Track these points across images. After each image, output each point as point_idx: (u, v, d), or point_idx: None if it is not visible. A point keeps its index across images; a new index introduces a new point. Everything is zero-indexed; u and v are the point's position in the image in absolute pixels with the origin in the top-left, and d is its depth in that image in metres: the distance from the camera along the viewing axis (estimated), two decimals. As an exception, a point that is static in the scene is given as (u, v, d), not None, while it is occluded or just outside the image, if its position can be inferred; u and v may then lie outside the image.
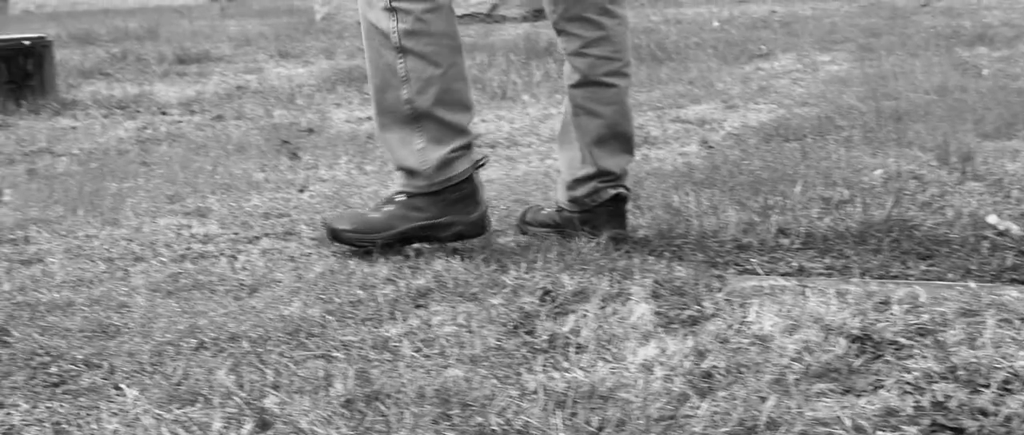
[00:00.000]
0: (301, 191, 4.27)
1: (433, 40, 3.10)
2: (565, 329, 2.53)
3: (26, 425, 2.13)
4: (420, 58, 3.09)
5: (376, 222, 3.19)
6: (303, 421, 2.07)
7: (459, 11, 11.60)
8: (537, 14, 12.11)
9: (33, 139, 5.80)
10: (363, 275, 2.98)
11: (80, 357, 2.44)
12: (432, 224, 3.17)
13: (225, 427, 2.06)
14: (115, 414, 2.16)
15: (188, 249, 3.40)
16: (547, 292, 2.76)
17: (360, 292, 2.83)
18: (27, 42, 7.06)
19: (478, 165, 3.21)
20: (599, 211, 3.36)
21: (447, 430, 2.03)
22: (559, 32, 3.34)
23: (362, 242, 3.18)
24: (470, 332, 2.52)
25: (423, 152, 3.13)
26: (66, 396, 2.27)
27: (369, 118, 6.14)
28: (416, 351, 2.43)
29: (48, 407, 2.21)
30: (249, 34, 11.86)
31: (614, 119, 3.34)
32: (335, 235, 3.21)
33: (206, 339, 2.53)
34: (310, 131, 5.79)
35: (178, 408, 2.17)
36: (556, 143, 3.62)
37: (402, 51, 3.09)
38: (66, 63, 9.08)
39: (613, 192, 3.36)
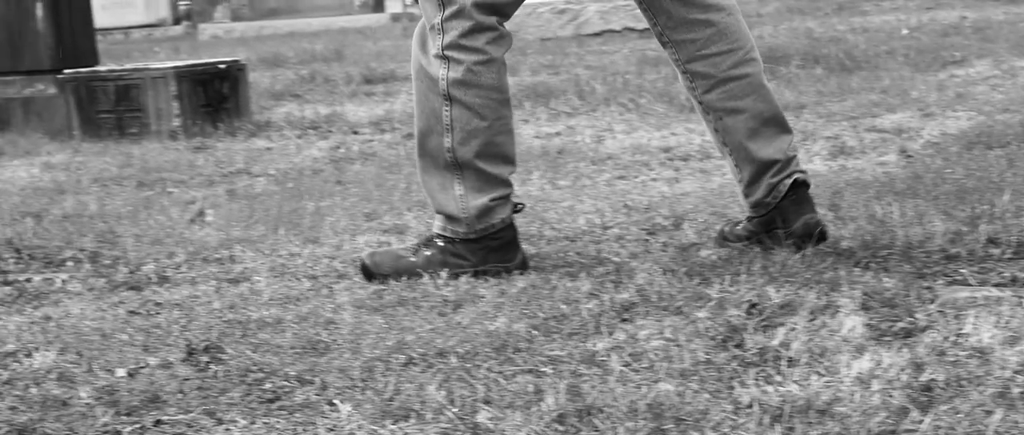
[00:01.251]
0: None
1: (481, 92, 3.10)
2: (775, 342, 2.49)
3: (245, 440, 2.17)
4: (466, 109, 3.10)
5: (414, 268, 3.19)
6: (517, 436, 2.07)
7: (640, 25, 11.57)
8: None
9: (231, 160, 5.93)
10: (565, 290, 2.97)
11: (293, 373, 2.47)
12: (475, 271, 3.17)
13: (440, 442, 2.07)
14: (331, 429, 2.19)
15: (389, 266, 3.43)
16: (753, 305, 2.72)
17: (564, 306, 2.82)
18: (222, 66, 7.23)
19: (517, 210, 3.23)
20: (783, 205, 3.23)
21: (663, 445, 2.01)
22: (667, 44, 3.23)
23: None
24: (678, 346, 2.50)
25: (463, 199, 3.16)
26: (282, 412, 2.30)
27: (558, 134, 6.16)
28: (624, 365, 2.41)
29: (265, 423, 2.25)
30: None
31: (758, 107, 3.21)
32: (371, 277, 3.20)
33: (414, 354, 2.54)
34: (500, 147, 5.81)
35: (392, 423, 2.19)
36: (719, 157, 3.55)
37: (449, 99, 3.11)
38: (257, 85, 9.27)
39: (789, 181, 3.23)
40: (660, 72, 7.90)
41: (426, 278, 3.15)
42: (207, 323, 2.90)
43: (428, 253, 3.20)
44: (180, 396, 2.39)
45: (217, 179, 5.46)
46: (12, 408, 2.37)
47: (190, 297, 3.20)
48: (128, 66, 7.39)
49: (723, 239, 3.41)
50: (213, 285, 3.32)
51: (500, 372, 2.41)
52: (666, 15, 3.20)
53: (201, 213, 4.53)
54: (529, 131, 6.36)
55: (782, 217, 3.23)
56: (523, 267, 3.21)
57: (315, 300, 3.08)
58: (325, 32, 17.93)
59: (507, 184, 3.19)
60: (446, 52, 3.08)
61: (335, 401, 2.31)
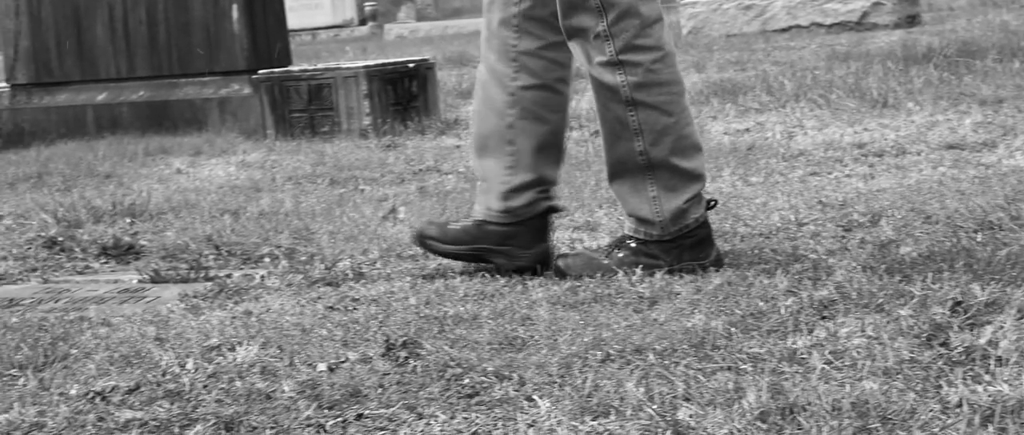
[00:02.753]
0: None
1: (664, 89, 3.07)
2: (982, 341, 2.41)
3: (446, 435, 2.18)
4: (652, 109, 3.06)
5: (607, 270, 3.15)
6: (719, 434, 2.04)
7: (828, 20, 11.39)
8: (911, 20, 11.77)
9: (421, 158, 5.99)
10: (762, 287, 2.93)
11: (491, 369, 2.48)
12: (669, 270, 3.13)
13: (642, 439, 2.06)
14: (531, 425, 2.18)
15: (583, 262, 3.43)
16: (958, 303, 2.64)
17: (761, 304, 2.79)
18: (411, 65, 7.31)
19: (710, 207, 3.19)
20: (530, 225, 3.28)
21: (870, 445, 1.97)
22: (512, 26, 3.20)
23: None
24: (881, 344, 2.44)
25: (657, 201, 3.12)
26: (481, 407, 2.31)
27: (748, 130, 6.09)
28: (826, 363, 2.37)
29: (465, 417, 2.26)
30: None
31: (559, 126, 3.25)
32: (563, 276, 3.18)
33: (611, 351, 2.53)
34: (689, 144, 5.77)
35: (591, 419, 2.18)
36: (475, 148, 3.39)
37: (633, 104, 3.06)
38: (444, 84, 9.36)
39: (547, 204, 3.30)
40: (850, 67, 7.76)
41: (621, 275, 3.14)
42: (404, 319, 2.93)
43: (620, 255, 3.18)
44: (380, 390, 2.42)
45: (408, 177, 5.51)
46: (218, 401, 2.42)
47: (386, 293, 3.23)
48: (320, 66, 7.51)
49: (428, 239, 3.43)
50: (408, 281, 3.35)
51: (699, 369, 2.38)
52: (530, 3, 3.18)
53: (393, 210, 4.58)
54: (718, 128, 6.30)
55: (519, 239, 3.29)
56: (718, 264, 3.18)
57: (510, 296, 3.09)
58: (509, 31, 18.00)
59: (700, 178, 3.16)
60: (621, 57, 3.04)
61: (534, 397, 2.31)
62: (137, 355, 2.78)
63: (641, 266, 3.13)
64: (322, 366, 2.59)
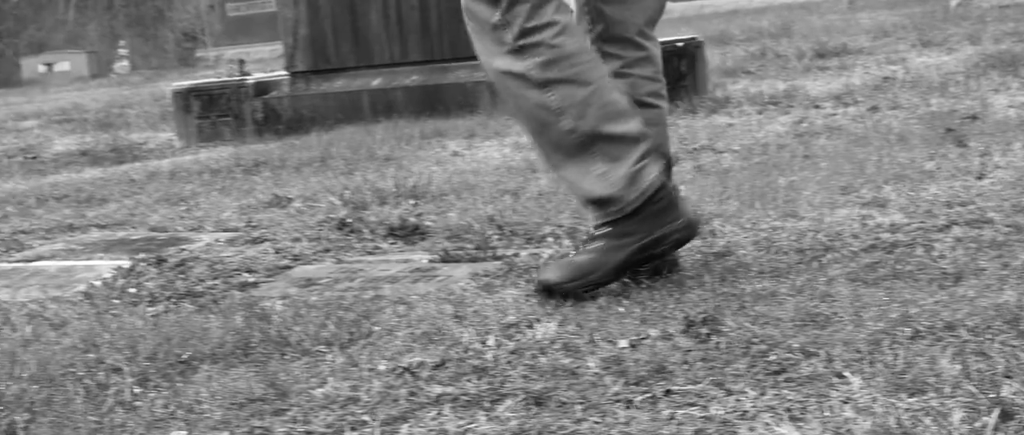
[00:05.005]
0: (979, 178, 4.12)
1: (573, 60, 2.94)
2: None
3: (758, 411, 2.16)
4: (568, 83, 2.93)
5: (585, 265, 3.01)
6: (1048, 412, 1.97)
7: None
8: None
9: (694, 137, 5.95)
10: (1074, 262, 2.82)
11: (796, 345, 2.44)
12: (646, 242, 3.01)
13: (967, 417, 2.00)
14: (845, 401, 2.15)
15: (877, 239, 3.36)
16: None
17: (1075, 279, 2.68)
18: (680, 44, 7.27)
19: (669, 166, 3.06)
20: None
21: None
22: (598, 52, 3.12)
23: (587, 285, 3.01)
24: None
25: (606, 175, 2.97)
26: (790, 383, 2.28)
27: (1034, 102, 5.88)
28: None
29: (775, 393, 2.23)
30: (884, 25, 11.68)
31: (658, 141, 3.14)
32: (549, 291, 3.02)
33: (920, 327, 2.47)
34: (974, 118, 5.60)
35: (908, 396, 2.13)
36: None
37: (546, 84, 2.94)
38: (708, 63, 9.30)
39: None
40: None
41: (920, 251, 3.06)
42: (701, 296, 2.91)
43: (594, 245, 3.04)
44: (685, 367, 2.41)
45: (682, 155, 5.49)
46: (524, 376, 2.45)
47: (679, 270, 3.22)
48: (588, 47, 7.53)
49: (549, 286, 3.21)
50: (699, 258, 3.34)
51: (1017, 346, 2.31)
52: (605, 25, 3.15)
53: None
54: (1002, 101, 6.10)
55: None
56: (694, 225, 3.09)
57: (806, 273, 3.04)
58: (768, 8, 17.81)
59: (639, 139, 2.99)
60: (520, 42, 2.94)
61: (844, 373, 2.27)
62: (438, 332, 2.83)
63: (621, 250, 3.00)
64: (623, 342, 2.59)
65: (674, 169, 4.98)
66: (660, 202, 3.02)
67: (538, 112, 2.97)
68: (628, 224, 3.01)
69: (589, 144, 2.97)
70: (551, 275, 3.02)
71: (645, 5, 3.16)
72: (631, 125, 2.99)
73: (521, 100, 2.99)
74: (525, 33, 2.93)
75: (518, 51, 2.94)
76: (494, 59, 2.98)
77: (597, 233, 3.05)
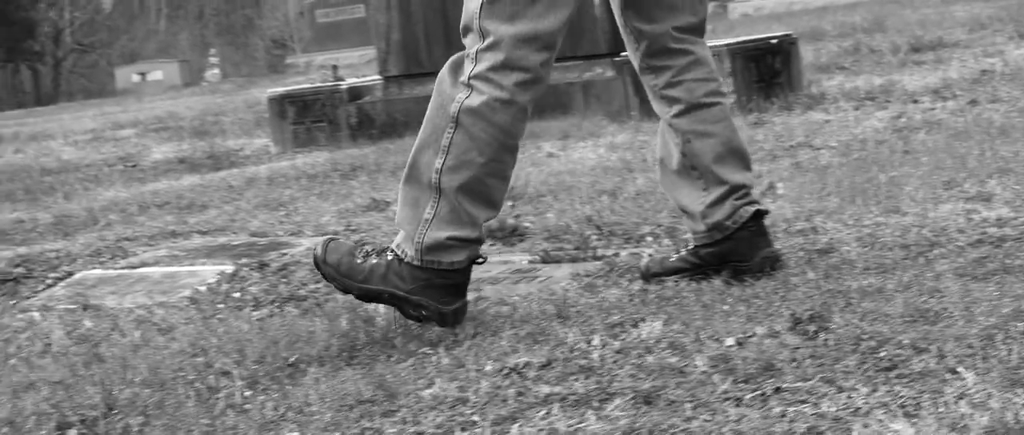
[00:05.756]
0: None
1: (489, 129, 2.93)
2: None
3: (871, 407, 2.14)
4: (470, 139, 2.93)
5: (357, 270, 3.00)
6: None
7: None
8: None
9: (790, 134, 5.91)
10: None
11: (906, 342, 2.42)
12: (403, 297, 2.97)
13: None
14: (960, 397, 2.12)
15: (983, 233, 3.32)
16: None
17: None
18: (774, 41, 7.23)
19: (475, 262, 3.00)
20: (742, 235, 3.15)
21: None
22: (645, 70, 3.21)
23: (339, 284, 3.02)
24: None
25: (426, 225, 2.96)
26: (901, 379, 2.26)
27: None
28: None
29: (887, 390, 2.21)
30: (980, 17, 11.52)
31: (727, 135, 3.18)
32: (317, 264, 3.04)
33: (1033, 323, 2.44)
34: (1076, 109, 5.52)
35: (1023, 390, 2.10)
36: (664, 188, 3.35)
37: (455, 123, 2.94)
38: (801, 59, 9.23)
39: (753, 209, 3.16)
40: None
41: (1029, 245, 3.02)
42: (806, 293, 2.89)
43: (374, 261, 3.02)
44: (794, 364, 2.39)
45: (779, 153, 5.45)
46: (632, 376, 2.45)
47: (783, 267, 3.20)
48: (681, 46, 7.50)
49: (651, 274, 3.27)
50: (802, 256, 3.31)
51: None
52: (648, 41, 3.17)
53: (771, 186, 4.54)
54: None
55: (739, 250, 3.16)
56: (453, 319, 2.99)
57: (913, 268, 3.01)
58: (859, 3, 17.63)
59: (477, 227, 3.00)
60: (472, 80, 2.95)
61: (957, 369, 2.24)
62: (542, 333, 2.83)
63: (385, 285, 2.98)
64: (730, 341, 2.58)
65: (771, 167, 4.97)
66: (446, 280, 2.97)
67: (433, 134, 2.98)
68: (408, 271, 2.98)
69: (436, 192, 2.97)
70: (330, 256, 3.02)
71: (678, 15, 3.17)
72: (481, 212, 2.98)
73: (433, 114, 3.01)
74: (480, 76, 2.95)
75: (466, 84, 2.96)
76: (449, 72, 3.01)
77: (386, 253, 3.03)
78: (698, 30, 3.22)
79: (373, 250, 3.08)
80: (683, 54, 3.18)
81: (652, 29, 3.17)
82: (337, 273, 3.02)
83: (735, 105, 6.85)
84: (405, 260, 2.98)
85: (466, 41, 3.00)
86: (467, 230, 2.98)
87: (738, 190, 3.19)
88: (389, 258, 3.00)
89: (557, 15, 2.96)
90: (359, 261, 3.02)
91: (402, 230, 3.02)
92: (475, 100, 2.94)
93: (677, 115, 3.20)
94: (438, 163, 2.96)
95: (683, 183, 3.23)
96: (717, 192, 3.18)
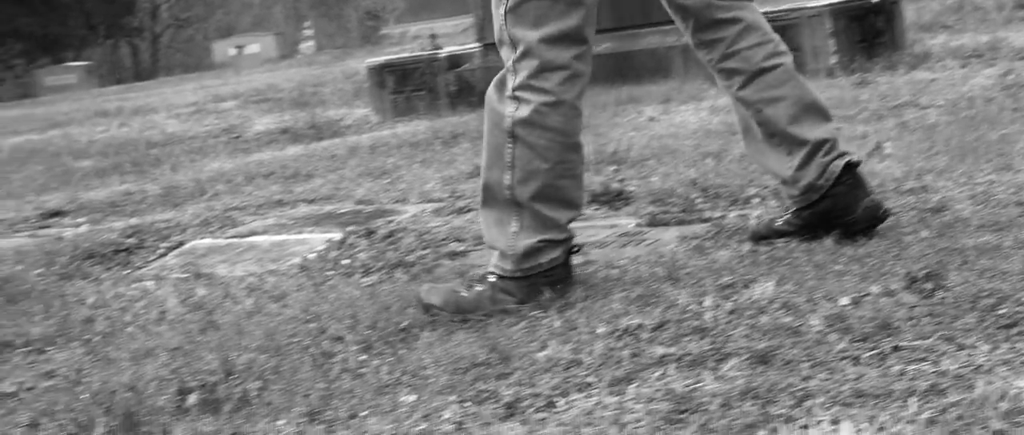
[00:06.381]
0: None
1: (546, 134, 2.94)
2: None
3: (993, 364, 2.11)
4: (529, 149, 2.95)
5: (465, 303, 2.98)
6: None
7: None
8: None
9: (895, 93, 5.85)
10: None
11: (1029, 299, 2.39)
12: (516, 310, 2.93)
13: None
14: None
15: (1100, 189, 3.27)
16: None
17: None
18: (875, 0, 7.14)
19: (572, 251, 3.00)
20: (839, 191, 3.07)
21: None
22: (699, 45, 3.15)
23: (455, 316, 2.96)
24: None
25: (516, 237, 2.97)
26: (1023, 337, 2.23)
27: None
28: None
29: (1010, 347, 2.18)
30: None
31: (797, 93, 3.11)
32: (427, 310, 2.99)
33: None
34: None
35: None
36: (751, 159, 3.31)
37: (513, 137, 2.95)
38: (904, 18, 9.11)
39: (843, 162, 3.08)
40: None
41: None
42: (920, 252, 2.86)
43: (478, 289, 3.03)
44: (911, 322, 2.37)
45: (884, 112, 5.40)
46: (746, 336, 2.44)
47: (893, 226, 3.16)
48: (783, 7, 7.43)
49: (759, 237, 3.22)
50: (914, 214, 3.28)
51: None
52: (695, 18, 3.12)
53: (878, 146, 4.49)
54: None
55: (841, 204, 3.09)
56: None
57: (1030, 226, 2.97)
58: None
59: (563, 229, 3.01)
60: (516, 92, 2.96)
61: (1081, 327, 2.21)
62: (653, 295, 2.83)
63: (495, 304, 2.96)
64: (845, 300, 2.56)
65: (876, 126, 4.91)
66: (549, 278, 2.98)
67: (494, 153, 3.01)
68: (513, 285, 2.98)
69: (515, 206, 2.99)
70: (433, 298, 3.01)
71: None
72: (560, 215, 3.00)
73: (489, 134, 3.03)
74: (523, 87, 2.97)
75: (512, 98, 2.97)
76: (495, 89, 3.02)
77: (487, 277, 3.04)
78: None
79: (474, 279, 3.12)
80: (733, 23, 3.12)
81: (694, 3, 3.11)
82: (450, 313, 2.99)
83: (837, 65, 6.79)
84: (506, 276, 3.00)
85: (502, 55, 3.02)
86: (554, 233, 3.00)
87: (822, 146, 3.12)
88: (491, 280, 3.03)
89: (579, 10, 2.96)
90: (464, 294, 3.03)
91: (495, 250, 3.04)
92: (524, 111, 2.96)
93: (741, 87, 3.15)
94: (507, 179, 2.99)
95: (768, 151, 3.19)
96: (801, 154, 3.13)
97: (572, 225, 3.04)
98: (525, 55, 2.96)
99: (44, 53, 40.36)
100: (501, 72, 3.04)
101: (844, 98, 5.86)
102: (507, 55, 3.00)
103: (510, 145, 2.98)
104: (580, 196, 3.07)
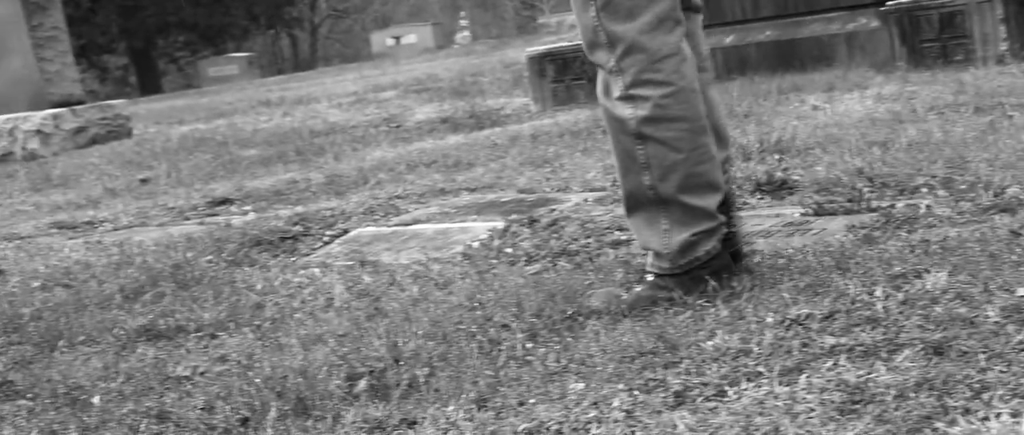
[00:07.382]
0: None
1: (673, 125, 2.87)
2: None
3: None
4: (660, 144, 2.88)
5: (626, 301, 2.91)
6: None
7: None
8: None
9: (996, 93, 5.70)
10: None
11: None
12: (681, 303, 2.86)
13: None
14: None
15: None
16: None
17: None
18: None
19: (725, 238, 2.95)
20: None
21: None
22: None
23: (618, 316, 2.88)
24: None
25: (668, 234, 2.92)
26: None
27: None
28: None
29: None
30: None
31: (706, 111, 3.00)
32: (588, 314, 2.90)
33: None
34: None
35: None
36: None
37: (641, 138, 2.89)
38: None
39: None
40: None
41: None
42: (1100, 242, 2.78)
43: (638, 289, 2.97)
44: (1094, 314, 2.31)
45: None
46: (920, 326, 2.39)
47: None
48: (950, -7, 7.29)
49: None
50: (1092, 204, 3.19)
51: None
52: None
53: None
54: None
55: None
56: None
57: None
58: None
59: (712, 217, 2.94)
60: (630, 91, 2.88)
61: None
62: (822, 284, 2.79)
63: (656, 304, 2.89)
64: (1022, 291, 2.50)
65: None
66: (710, 268, 2.95)
67: (626, 158, 2.97)
68: (672, 282, 2.96)
69: (662, 204, 2.95)
70: (595, 302, 2.97)
71: None
72: (708, 200, 2.96)
73: (615, 141, 2.99)
74: (636, 83, 2.91)
75: (627, 99, 2.91)
76: (604, 97, 2.97)
77: (645, 277, 3.02)
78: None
79: (634, 282, 3.09)
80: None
81: None
82: (611, 317, 2.96)
83: (1008, 52, 6.63)
84: (665, 273, 2.98)
85: (596, 59, 2.96)
86: (705, 222, 2.96)
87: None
88: (650, 279, 3.01)
89: None
90: (625, 296, 3.00)
91: (650, 251, 3.01)
92: (643, 109, 2.90)
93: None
94: (647, 180, 2.95)
95: None
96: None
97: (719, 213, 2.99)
98: (628, 51, 2.90)
99: (207, 44, 41.27)
100: (601, 76, 2.98)
101: (1016, 86, 5.72)
102: (604, 58, 2.94)
103: (640, 146, 2.94)
104: (720, 177, 3.02)
